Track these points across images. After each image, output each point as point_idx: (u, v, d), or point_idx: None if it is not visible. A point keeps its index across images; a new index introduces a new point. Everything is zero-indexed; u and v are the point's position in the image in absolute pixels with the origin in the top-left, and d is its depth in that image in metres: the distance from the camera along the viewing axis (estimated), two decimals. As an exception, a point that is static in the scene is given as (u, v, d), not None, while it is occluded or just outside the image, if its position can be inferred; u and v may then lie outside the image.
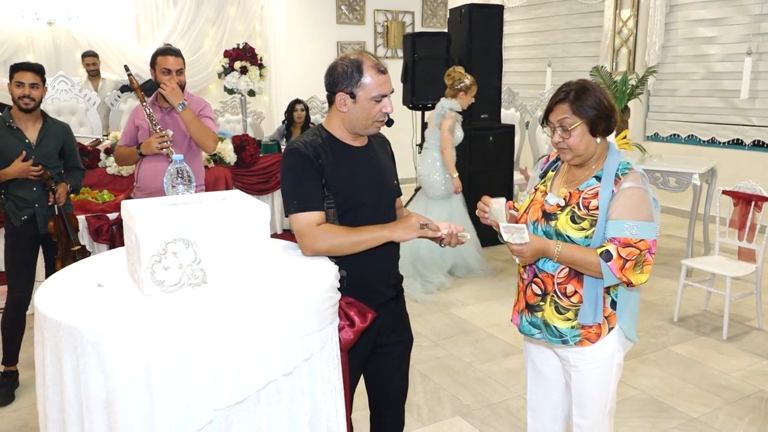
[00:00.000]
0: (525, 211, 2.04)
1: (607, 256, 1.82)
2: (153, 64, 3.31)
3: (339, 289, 1.77)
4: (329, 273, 1.76)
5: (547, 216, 1.95)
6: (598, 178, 1.91)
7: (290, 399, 1.56)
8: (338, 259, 1.89)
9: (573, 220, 1.89)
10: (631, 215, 1.83)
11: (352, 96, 1.90)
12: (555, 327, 1.96)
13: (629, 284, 1.86)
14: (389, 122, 1.98)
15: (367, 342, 1.97)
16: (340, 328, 1.76)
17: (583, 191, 1.91)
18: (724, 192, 4.20)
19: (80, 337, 1.41)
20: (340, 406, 1.72)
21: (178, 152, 3.19)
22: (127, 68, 3.34)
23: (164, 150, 3.15)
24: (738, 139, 6.62)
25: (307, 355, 1.57)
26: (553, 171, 2.08)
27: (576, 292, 1.92)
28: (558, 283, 1.93)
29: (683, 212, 6.65)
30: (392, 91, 1.95)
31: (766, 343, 3.88)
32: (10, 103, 3.29)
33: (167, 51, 3.33)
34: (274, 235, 1.77)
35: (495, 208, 1.92)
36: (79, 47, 6.90)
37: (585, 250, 1.86)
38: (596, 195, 1.88)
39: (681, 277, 4.23)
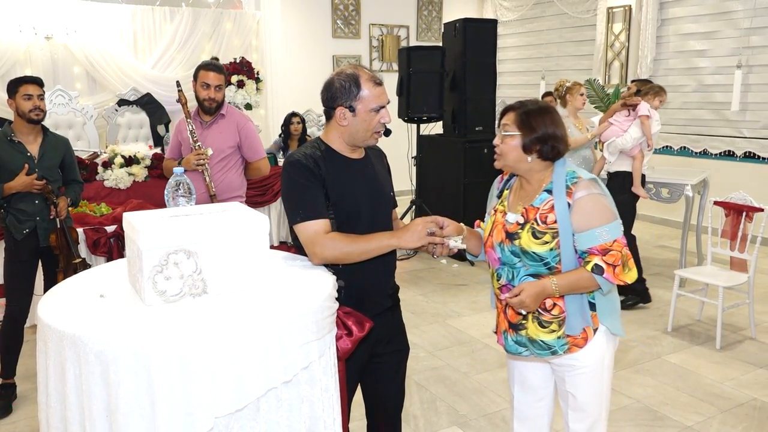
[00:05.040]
0: (489, 234, 2.07)
1: (598, 270, 1.86)
2: (195, 77, 3.41)
3: (337, 299, 1.80)
4: (327, 283, 1.79)
5: (510, 236, 1.98)
6: (549, 192, 1.95)
7: (289, 407, 1.58)
8: (336, 270, 1.93)
9: (535, 236, 1.93)
10: (596, 222, 1.88)
11: (352, 109, 1.94)
12: (542, 341, 1.99)
13: (626, 284, 1.91)
14: (387, 132, 2.02)
15: (364, 351, 2.00)
16: (338, 338, 1.79)
17: (538, 207, 1.95)
18: (716, 203, 4.25)
19: (83, 347, 1.43)
20: (337, 415, 1.75)
21: (215, 168, 3.37)
22: (178, 84, 3.42)
23: (200, 167, 3.23)
24: (729, 151, 6.69)
25: (306, 364, 1.60)
26: (508, 189, 2.12)
27: (555, 304, 1.96)
28: None
29: (676, 223, 6.72)
30: (389, 102, 2.00)
31: (759, 352, 3.92)
32: (9, 117, 3.32)
33: (209, 66, 3.42)
34: (270, 247, 1.80)
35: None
36: (76, 62, 6.95)
37: (577, 274, 1.90)
38: (552, 209, 1.92)
39: (674, 287, 4.27)
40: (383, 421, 2.25)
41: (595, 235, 1.87)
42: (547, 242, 1.91)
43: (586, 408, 2.05)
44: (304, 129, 6.38)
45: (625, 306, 4.65)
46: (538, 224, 1.93)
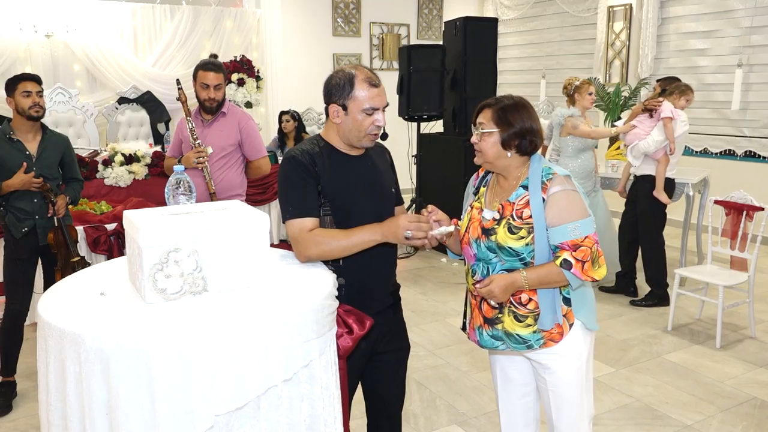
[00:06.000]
0: (466, 231, 2.08)
1: (567, 264, 1.89)
2: (194, 76, 3.39)
3: (337, 297, 1.80)
4: (327, 281, 1.79)
5: (486, 232, 1.99)
6: (525, 187, 1.97)
7: (289, 405, 1.58)
8: (336, 268, 1.93)
9: (511, 231, 1.94)
10: (569, 218, 1.90)
11: (344, 108, 1.94)
12: (517, 335, 2.00)
13: (594, 281, 1.93)
14: (383, 135, 2.01)
15: (364, 349, 2.00)
16: (339, 336, 1.79)
17: (514, 202, 1.97)
18: (716, 202, 4.25)
19: (83, 344, 1.43)
20: (338, 413, 1.75)
21: (215, 166, 3.36)
22: (178, 81, 3.42)
23: (200, 165, 3.24)
24: (730, 150, 6.69)
25: (306, 362, 1.60)
26: (484, 186, 2.13)
27: (531, 299, 1.97)
28: (513, 295, 1.97)
29: (676, 222, 6.71)
30: (386, 105, 1.99)
31: (759, 351, 3.92)
32: (8, 115, 3.31)
33: (207, 66, 3.39)
34: (270, 245, 1.81)
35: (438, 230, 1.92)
36: (77, 59, 6.94)
37: (546, 268, 1.92)
38: (527, 204, 1.94)
39: (675, 286, 4.27)
40: (384, 419, 2.24)
41: (567, 230, 1.90)
42: (522, 237, 1.93)
43: (567, 405, 2.06)
44: (301, 126, 6.37)
45: (642, 305, 4.66)
46: (514, 219, 1.95)
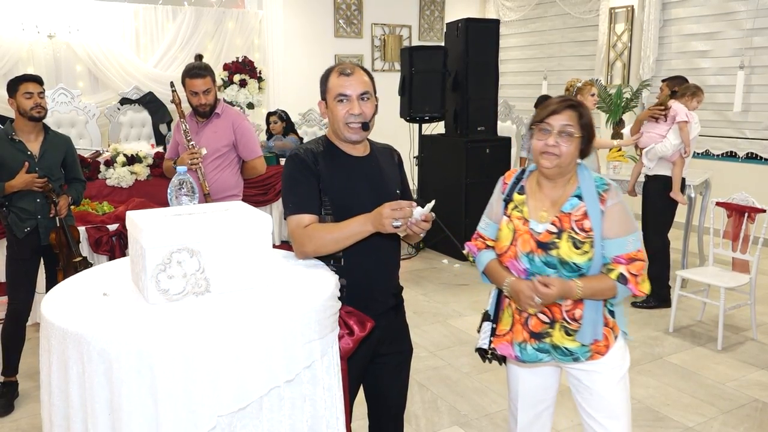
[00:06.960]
0: (512, 243, 1.95)
1: (623, 279, 1.86)
2: (183, 83, 3.40)
3: (339, 298, 1.80)
4: (330, 282, 1.79)
5: (544, 246, 1.90)
6: (578, 197, 1.91)
7: (292, 406, 1.58)
8: (338, 268, 1.93)
9: (576, 246, 1.87)
10: (627, 231, 1.88)
11: (326, 101, 2.01)
12: (565, 348, 1.96)
13: (642, 294, 1.91)
14: (364, 126, 1.98)
15: (366, 351, 2.00)
16: (340, 337, 1.78)
17: (570, 213, 1.90)
18: (718, 203, 4.25)
19: (86, 345, 1.43)
20: (340, 414, 1.75)
21: (210, 167, 3.37)
22: (172, 84, 3.43)
23: (194, 167, 3.25)
24: (732, 152, 6.69)
25: (309, 363, 1.60)
26: (520, 194, 2.01)
27: (582, 314, 1.94)
28: (566, 311, 1.93)
29: (678, 224, 6.69)
30: (363, 93, 1.95)
31: (761, 353, 3.92)
32: (10, 116, 3.33)
33: (192, 73, 3.36)
34: (272, 246, 1.81)
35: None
36: (79, 60, 6.96)
37: (601, 280, 1.88)
38: (585, 215, 1.88)
39: (676, 287, 4.27)
40: (385, 421, 2.24)
41: (625, 243, 1.87)
42: (586, 252, 1.87)
43: (621, 414, 2.00)
44: (289, 126, 6.37)
45: (643, 306, 4.66)
46: (576, 233, 1.87)
